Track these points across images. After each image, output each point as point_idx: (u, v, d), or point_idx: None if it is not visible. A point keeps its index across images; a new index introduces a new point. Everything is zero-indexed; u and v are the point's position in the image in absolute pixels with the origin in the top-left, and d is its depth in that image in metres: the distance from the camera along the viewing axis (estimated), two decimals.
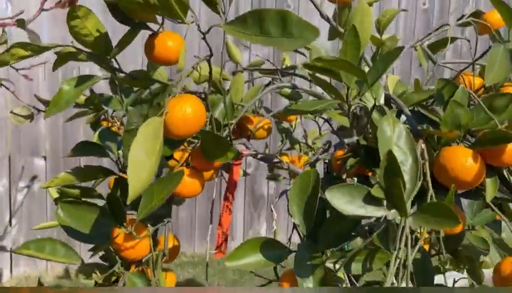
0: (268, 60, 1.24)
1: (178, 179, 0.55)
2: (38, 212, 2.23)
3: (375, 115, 0.56)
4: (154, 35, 0.60)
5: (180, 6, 0.46)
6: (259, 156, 0.94)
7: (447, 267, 0.97)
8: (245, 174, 1.10)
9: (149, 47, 0.59)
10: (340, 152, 0.85)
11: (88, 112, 0.93)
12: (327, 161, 0.92)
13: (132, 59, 2.26)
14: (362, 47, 0.60)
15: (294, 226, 0.57)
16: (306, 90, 0.93)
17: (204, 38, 0.54)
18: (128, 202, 0.45)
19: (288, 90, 1.06)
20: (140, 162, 0.42)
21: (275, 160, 0.93)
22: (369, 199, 0.44)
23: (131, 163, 0.42)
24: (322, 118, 1.12)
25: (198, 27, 0.52)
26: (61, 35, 2.19)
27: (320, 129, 1.15)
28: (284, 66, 1.18)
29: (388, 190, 0.43)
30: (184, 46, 0.58)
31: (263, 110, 1.21)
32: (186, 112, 0.52)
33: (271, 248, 0.53)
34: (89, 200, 0.78)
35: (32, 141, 2.18)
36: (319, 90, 0.89)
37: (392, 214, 0.44)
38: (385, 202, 0.45)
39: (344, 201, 0.44)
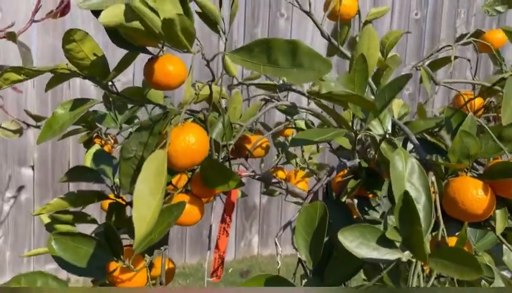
0: (265, 74, 1.22)
1: (180, 211, 0.53)
2: (25, 223, 2.17)
3: (383, 144, 0.54)
4: (153, 59, 0.58)
5: (186, 36, 0.44)
6: (257, 177, 0.91)
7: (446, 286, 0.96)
8: (243, 195, 1.08)
9: (148, 72, 0.57)
10: (339, 173, 0.83)
11: (80, 130, 0.90)
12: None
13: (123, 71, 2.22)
14: (369, 73, 0.58)
15: (300, 261, 0.55)
16: (304, 108, 0.92)
17: (208, 65, 0.51)
18: (134, 248, 0.42)
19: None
20: (146, 203, 0.40)
21: (274, 180, 0.91)
22: (383, 241, 0.42)
23: (136, 202, 0.40)
24: None
25: (203, 55, 0.49)
26: (51, 43, 2.15)
27: (318, 146, 1.13)
28: (281, 81, 1.16)
29: (406, 236, 0.41)
30: (186, 71, 0.56)
31: (259, 125, 1.19)
32: (190, 143, 0.50)
33: (276, 284, 0.51)
34: (82, 221, 0.75)
35: (19, 150, 2.13)
36: (315, 106, 0.88)
37: (406, 256, 0.43)
38: (398, 243, 0.43)
39: (357, 244, 0.42)
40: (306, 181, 1.24)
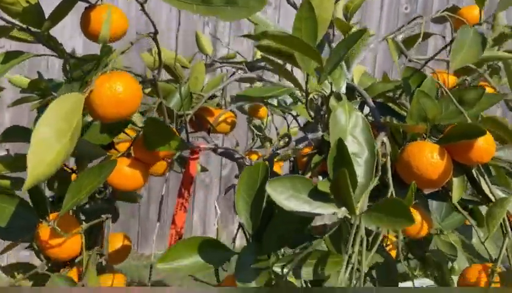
0: (238, 53, 1.19)
1: (109, 169, 0.49)
2: None
3: (332, 101, 0.50)
4: (90, 8, 0.54)
5: None
6: (219, 151, 0.88)
7: (416, 273, 0.92)
8: (203, 169, 1.04)
9: (84, 22, 0.53)
10: (306, 150, 0.80)
11: (34, 98, 0.85)
12: (293, 158, 0.87)
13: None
14: (322, 28, 0.54)
15: (240, 225, 0.51)
16: (273, 83, 0.88)
17: (142, 9, 0.47)
18: (24, 190, 0.38)
19: (260, 84, 1.01)
20: (47, 143, 0.36)
21: (237, 155, 0.87)
22: (316, 194, 0.38)
23: (34, 143, 0.36)
24: (291, 115, 1.07)
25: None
26: None
27: (288, 126, 1.09)
28: (254, 59, 1.13)
29: (335, 182, 0.37)
30: (126, 23, 0.52)
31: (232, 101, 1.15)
32: (117, 91, 0.45)
33: (211, 248, 0.47)
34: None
35: None
36: (287, 83, 0.84)
37: (342, 212, 0.39)
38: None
39: (287, 196, 0.38)
40: (280, 165, 1.20)
